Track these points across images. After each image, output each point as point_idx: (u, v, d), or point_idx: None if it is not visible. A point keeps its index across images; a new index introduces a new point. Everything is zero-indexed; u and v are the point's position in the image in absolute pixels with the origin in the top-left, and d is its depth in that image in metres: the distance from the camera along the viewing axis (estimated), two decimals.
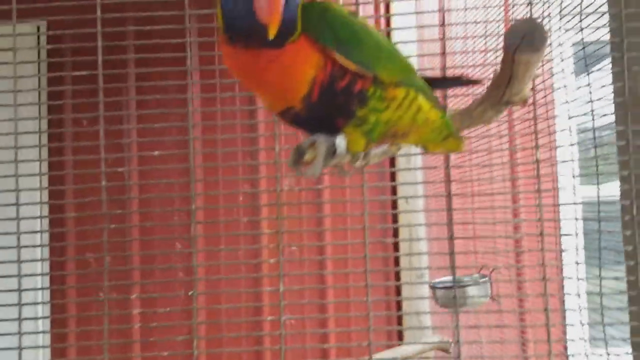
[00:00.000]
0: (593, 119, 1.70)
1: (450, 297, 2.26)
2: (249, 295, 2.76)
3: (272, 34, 0.87)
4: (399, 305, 3.03)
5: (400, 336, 3.03)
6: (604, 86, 1.49)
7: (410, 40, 2.47)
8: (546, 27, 0.98)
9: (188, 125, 1.65)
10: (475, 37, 1.95)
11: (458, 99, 1.95)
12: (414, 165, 2.89)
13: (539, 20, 0.98)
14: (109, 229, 1.72)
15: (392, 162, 2.78)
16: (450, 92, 1.81)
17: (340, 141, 1.01)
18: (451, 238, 1.53)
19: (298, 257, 2.75)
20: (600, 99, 1.49)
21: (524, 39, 0.96)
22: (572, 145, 1.71)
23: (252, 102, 2.73)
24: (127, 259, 2.63)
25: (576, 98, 1.68)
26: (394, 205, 2.97)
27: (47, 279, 2.74)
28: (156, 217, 2.62)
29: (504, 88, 1.01)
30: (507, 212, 2.54)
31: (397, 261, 2.86)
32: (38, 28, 2.85)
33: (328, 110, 1.00)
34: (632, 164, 1.40)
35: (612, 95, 1.46)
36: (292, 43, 0.95)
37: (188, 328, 1.87)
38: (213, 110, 2.50)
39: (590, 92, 1.57)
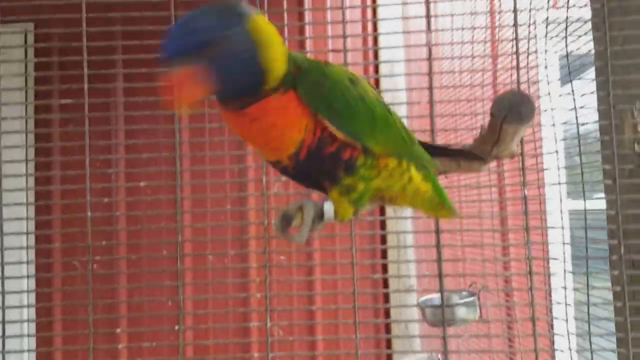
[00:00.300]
0: (578, 129, 1.69)
1: (438, 316, 2.28)
2: (236, 301, 2.73)
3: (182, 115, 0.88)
4: (387, 314, 3.00)
5: (388, 344, 3.01)
6: (583, 94, 1.48)
7: (397, 46, 2.46)
8: (534, 101, 0.96)
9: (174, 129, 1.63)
10: (462, 42, 1.95)
11: (447, 133, 1.94)
12: None
13: (527, 92, 0.96)
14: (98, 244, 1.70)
15: None
16: (438, 124, 1.79)
17: (329, 207, 0.99)
18: (439, 260, 1.50)
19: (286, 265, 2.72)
20: (582, 107, 1.48)
21: (512, 110, 0.94)
22: (557, 152, 1.69)
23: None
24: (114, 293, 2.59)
25: (554, 107, 1.67)
26: (382, 225, 2.97)
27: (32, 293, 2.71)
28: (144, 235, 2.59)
29: (492, 146, 1.00)
30: (495, 231, 2.54)
31: (385, 269, 2.86)
32: (25, 34, 2.84)
33: (316, 171, 0.98)
34: (618, 173, 1.38)
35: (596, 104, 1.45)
36: (276, 98, 0.91)
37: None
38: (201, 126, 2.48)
39: (575, 101, 1.55)
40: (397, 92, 2.93)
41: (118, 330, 2.50)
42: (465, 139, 2.20)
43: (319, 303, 2.82)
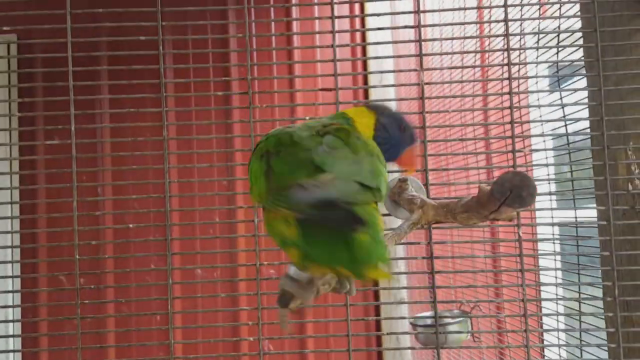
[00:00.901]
0: (568, 139, 1.69)
1: (431, 336, 2.31)
2: (225, 315, 2.71)
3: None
4: (378, 325, 3.02)
5: (380, 356, 3.04)
6: (563, 105, 1.47)
7: (386, 42, 2.44)
8: (534, 185, 0.94)
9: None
10: (452, 52, 1.92)
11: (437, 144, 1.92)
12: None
13: (528, 176, 0.94)
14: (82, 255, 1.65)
15: None
16: (429, 135, 1.78)
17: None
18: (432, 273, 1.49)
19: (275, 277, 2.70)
20: (567, 116, 1.47)
21: (513, 193, 0.93)
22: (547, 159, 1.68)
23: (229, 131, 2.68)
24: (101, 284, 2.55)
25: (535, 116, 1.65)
26: None
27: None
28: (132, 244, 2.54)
29: (489, 212, 0.99)
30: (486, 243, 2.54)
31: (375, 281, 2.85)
32: (8, 45, 2.75)
33: None
34: (610, 184, 1.38)
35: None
36: None
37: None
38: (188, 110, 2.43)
39: (563, 109, 1.54)
40: (386, 102, 2.91)
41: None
42: (457, 148, 2.19)
43: (310, 317, 2.82)
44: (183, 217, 2.74)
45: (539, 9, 1.59)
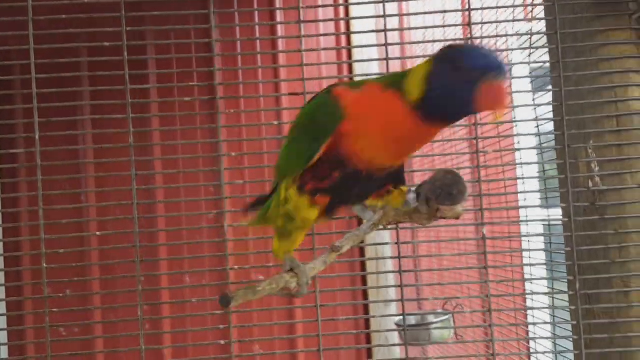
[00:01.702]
0: (540, 139, 1.73)
1: (416, 335, 2.37)
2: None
3: (499, 118, 0.92)
4: (367, 324, 3.04)
5: (369, 354, 3.06)
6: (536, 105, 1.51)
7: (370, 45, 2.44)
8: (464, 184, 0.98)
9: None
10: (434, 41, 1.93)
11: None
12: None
13: (459, 175, 0.97)
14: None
15: None
16: None
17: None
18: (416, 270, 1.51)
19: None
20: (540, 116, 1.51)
21: (443, 191, 0.96)
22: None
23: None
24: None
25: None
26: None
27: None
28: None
29: (435, 211, 1.02)
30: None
31: (364, 281, 2.89)
32: None
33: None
34: (570, 182, 1.42)
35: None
36: None
37: None
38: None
39: (535, 111, 1.58)
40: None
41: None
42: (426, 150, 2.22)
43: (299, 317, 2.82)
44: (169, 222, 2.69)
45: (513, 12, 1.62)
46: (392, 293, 3.18)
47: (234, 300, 0.83)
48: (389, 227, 1.23)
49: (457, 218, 1.04)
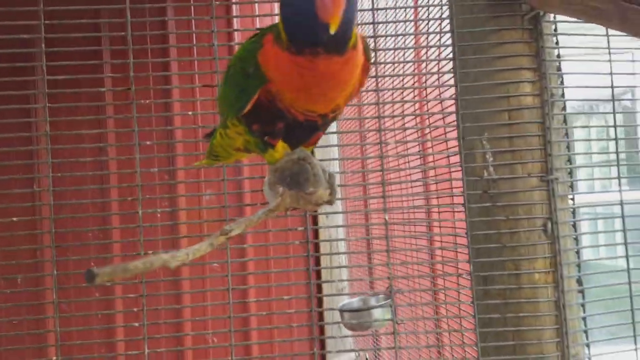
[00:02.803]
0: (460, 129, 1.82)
1: (355, 319, 2.43)
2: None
3: (333, 29, 0.89)
4: (320, 316, 3.12)
5: (322, 345, 3.15)
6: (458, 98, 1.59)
7: None
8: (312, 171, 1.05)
9: None
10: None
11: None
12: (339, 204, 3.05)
13: (304, 158, 1.05)
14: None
15: None
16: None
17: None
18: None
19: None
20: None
21: (292, 178, 1.04)
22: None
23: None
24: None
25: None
26: (315, 220, 3.06)
27: None
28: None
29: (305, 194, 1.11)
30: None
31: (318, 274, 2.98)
32: None
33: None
34: (468, 172, 1.51)
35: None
36: (351, 50, 0.99)
37: None
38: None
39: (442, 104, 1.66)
40: None
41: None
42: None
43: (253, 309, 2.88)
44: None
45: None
46: (346, 285, 3.29)
47: (98, 276, 0.88)
48: (288, 213, 1.31)
49: (331, 204, 1.12)
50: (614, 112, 1.58)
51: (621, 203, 1.58)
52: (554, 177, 1.48)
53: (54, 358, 1.49)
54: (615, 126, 1.61)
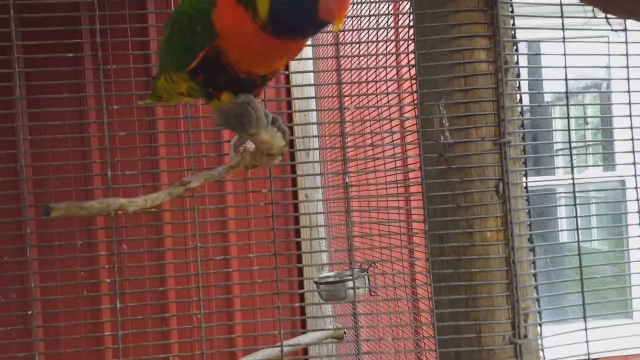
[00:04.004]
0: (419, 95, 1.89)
1: (332, 292, 2.55)
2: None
3: (337, 28, 0.93)
4: (302, 298, 3.24)
5: (304, 325, 3.28)
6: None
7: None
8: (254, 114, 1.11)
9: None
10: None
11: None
12: (312, 158, 3.14)
13: (247, 102, 1.10)
14: None
15: (292, 156, 3.01)
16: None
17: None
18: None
19: (205, 257, 2.83)
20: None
21: (237, 119, 1.10)
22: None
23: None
24: None
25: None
26: (295, 196, 3.16)
27: None
28: None
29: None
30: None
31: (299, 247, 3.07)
32: None
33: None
34: (426, 136, 1.59)
35: None
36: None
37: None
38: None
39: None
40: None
41: None
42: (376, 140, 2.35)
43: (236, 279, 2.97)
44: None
45: None
46: (325, 257, 3.42)
47: (54, 210, 0.95)
48: (249, 174, 1.39)
49: (282, 154, 1.20)
50: (566, 91, 1.67)
51: (573, 180, 1.67)
52: (507, 141, 1.55)
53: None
54: (567, 105, 1.68)
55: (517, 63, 1.60)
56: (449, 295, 1.59)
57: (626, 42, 1.68)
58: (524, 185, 1.62)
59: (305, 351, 3.45)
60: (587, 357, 1.63)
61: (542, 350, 1.65)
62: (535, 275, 1.62)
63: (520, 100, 1.62)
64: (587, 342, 1.64)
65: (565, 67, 1.62)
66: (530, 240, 1.61)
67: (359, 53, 1.75)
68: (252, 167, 1.35)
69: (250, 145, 1.37)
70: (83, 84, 2.66)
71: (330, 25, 0.98)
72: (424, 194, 1.58)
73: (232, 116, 1.09)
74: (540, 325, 1.64)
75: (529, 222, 1.61)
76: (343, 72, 1.62)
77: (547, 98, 4.18)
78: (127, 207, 1.07)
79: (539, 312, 1.64)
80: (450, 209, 1.58)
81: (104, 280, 2.17)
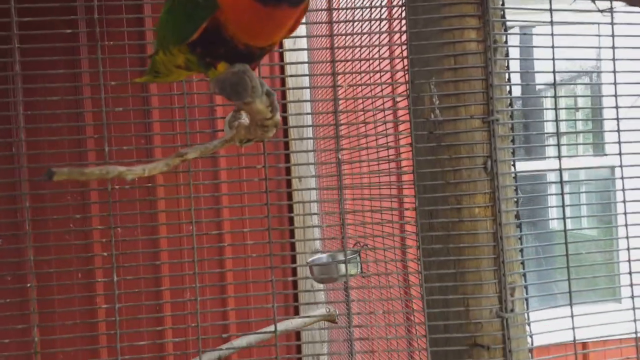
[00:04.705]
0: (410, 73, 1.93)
1: (324, 272, 2.59)
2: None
3: None
4: (295, 285, 3.29)
5: (297, 311, 3.33)
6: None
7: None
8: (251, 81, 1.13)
9: None
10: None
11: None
12: (306, 147, 3.19)
13: (243, 71, 1.13)
14: None
15: (287, 145, 3.05)
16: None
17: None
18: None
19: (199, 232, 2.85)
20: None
21: (232, 88, 1.12)
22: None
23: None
24: None
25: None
26: (289, 184, 3.20)
27: None
28: None
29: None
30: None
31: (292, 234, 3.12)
32: None
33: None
34: (417, 114, 1.62)
35: None
36: (306, 2, 1.10)
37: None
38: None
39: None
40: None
41: None
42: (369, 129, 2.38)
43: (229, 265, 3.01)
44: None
45: None
46: (319, 245, 3.47)
47: (56, 174, 0.98)
48: (243, 144, 1.41)
49: (277, 125, 1.23)
50: (553, 71, 1.70)
51: (560, 169, 1.71)
52: (495, 119, 1.59)
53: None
54: (554, 84, 1.72)
55: (506, 42, 1.63)
56: (437, 269, 1.63)
57: (611, 23, 1.71)
58: (512, 162, 1.65)
59: (298, 336, 3.52)
60: (573, 342, 1.68)
61: (529, 325, 1.70)
62: (521, 250, 1.67)
63: (509, 79, 1.65)
64: (573, 328, 1.69)
65: (553, 47, 1.65)
66: (517, 217, 1.66)
67: (353, 31, 1.77)
68: (247, 141, 1.38)
69: (245, 121, 1.40)
70: (78, 59, 2.67)
71: None
72: (414, 171, 1.62)
73: (228, 84, 1.12)
74: (527, 300, 1.69)
75: (515, 199, 1.65)
76: (336, 50, 1.65)
77: (538, 79, 4.21)
78: (125, 175, 1.09)
79: (526, 287, 1.68)
80: (440, 185, 1.62)
81: (100, 254, 2.18)
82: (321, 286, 3.40)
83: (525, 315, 1.68)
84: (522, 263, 1.67)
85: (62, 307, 1.78)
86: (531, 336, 1.65)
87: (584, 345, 2.86)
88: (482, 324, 1.61)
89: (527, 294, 1.68)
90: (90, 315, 2.55)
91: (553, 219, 2.13)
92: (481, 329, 1.61)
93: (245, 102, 1.15)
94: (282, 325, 2.70)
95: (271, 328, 1.73)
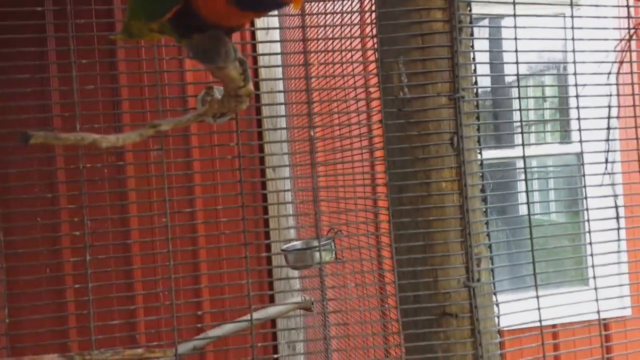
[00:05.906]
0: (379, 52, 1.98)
1: (298, 259, 2.62)
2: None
3: (295, 9, 1.09)
4: (270, 273, 3.32)
5: (272, 300, 3.36)
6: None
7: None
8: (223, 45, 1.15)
9: None
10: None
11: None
12: (280, 137, 3.22)
13: (216, 36, 1.15)
14: None
15: (260, 135, 3.07)
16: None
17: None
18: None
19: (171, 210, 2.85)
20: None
21: (207, 53, 1.15)
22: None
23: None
24: None
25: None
26: (263, 174, 3.23)
27: None
28: None
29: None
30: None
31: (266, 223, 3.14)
32: None
33: None
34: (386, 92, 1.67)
35: None
36: None
37: None
38: None
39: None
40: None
41: None
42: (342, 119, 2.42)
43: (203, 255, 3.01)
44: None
45: None
46: (293, 233, 3.51)
47: (33, 137, 0.99)
48: (217, 119, 1.44)
49: (250, 94, 1.26)
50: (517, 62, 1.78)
51: (523, 156, 1.79)
52: (460, 96, 1.65)
53: None
54: (517, 75, 1.79)
55: (471, 23, 1.69)
56: (407, 242, 1.68)
57: (572, 16, 1.80)
58: (477, 138, 1.72)
59: (274, 323, 3.55)
60: (539, 323, 1.76)
61: (495, 295, 1.77)
62: (487, 223, 1.74)
63: (474, 59, 1.72)
64: (539, 308, 1.77)
65: (515, 39, 1.73)
66: (482, 190, 1.72)
67: (325, 10, 1.82)
68: (220, 115, 1.41)
69: (217, 97, 1.42)
70: (44, 37, 2.63)
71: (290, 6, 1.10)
72: (384, 147, 1.67)
73: (201, 49, 1.15)
74: (492, 271, 1.76)
75: (481, 173, 1.72)
76: (308, 29, 1.69)
77: (507, 70, 4.33)
78: (99, 142, 1.11)
79: (491, 258, 1.75)
80: (409, 161, 1.67)
81: (71, 233, 2.18)
82: (296, 273, 3.45)
83: (492, 285, 1.75)
84: (488, 235, 1.74)
85: (31, 288, 1.78)
86: (497, 304, 1.72)
87: (553, 327, 2.98)
88: (451, 293, 1.67)
89: (492, 264, 1.75)
90: (59, 296, 2.52)
91: (521, 203, 2.21)
92: (449, 298, 1.68)
93: (218, 66, 1.18)
94: (258, 314, 2.74)
95: (248, 317, 1.75)
